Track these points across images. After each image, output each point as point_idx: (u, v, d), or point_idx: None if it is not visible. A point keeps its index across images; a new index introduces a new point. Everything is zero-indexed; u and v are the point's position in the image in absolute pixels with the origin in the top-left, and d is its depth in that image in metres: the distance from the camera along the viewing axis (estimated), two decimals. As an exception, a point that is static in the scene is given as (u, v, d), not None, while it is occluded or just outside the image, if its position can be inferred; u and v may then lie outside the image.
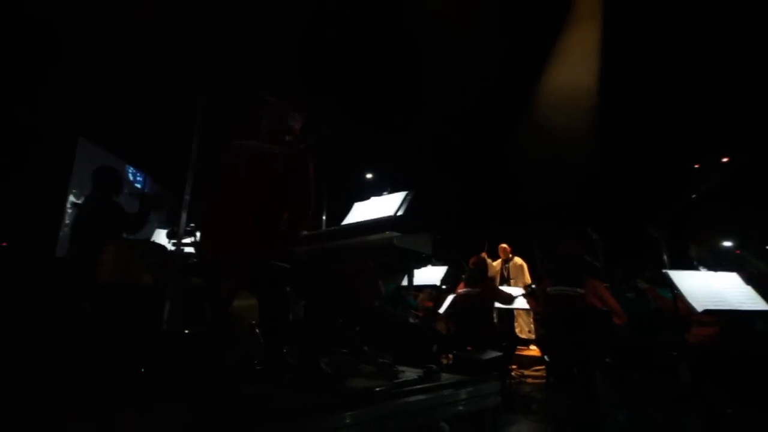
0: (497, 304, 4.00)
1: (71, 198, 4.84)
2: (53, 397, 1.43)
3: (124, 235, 2.83)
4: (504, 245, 6.03)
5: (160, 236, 3.10)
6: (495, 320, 5.02)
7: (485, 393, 2.04)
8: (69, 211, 4.74)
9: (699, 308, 2.10)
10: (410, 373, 2.10)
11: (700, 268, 2.46)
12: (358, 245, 1.81)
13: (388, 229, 1.83)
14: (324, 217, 3.15)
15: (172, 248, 2.71)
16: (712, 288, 2.16)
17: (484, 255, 5.89)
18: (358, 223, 2.20)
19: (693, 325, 2.82)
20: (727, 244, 2.78)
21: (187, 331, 1.93)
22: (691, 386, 2.75)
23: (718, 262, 2.41)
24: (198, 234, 2.73)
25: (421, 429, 2.15)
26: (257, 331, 2.53)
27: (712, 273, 2.23)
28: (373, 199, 2.46)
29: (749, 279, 1.97)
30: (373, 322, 3.25)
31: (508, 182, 7.35)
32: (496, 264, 6.04)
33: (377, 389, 1.66)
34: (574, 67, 6.53)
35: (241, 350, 2.33)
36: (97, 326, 1.99)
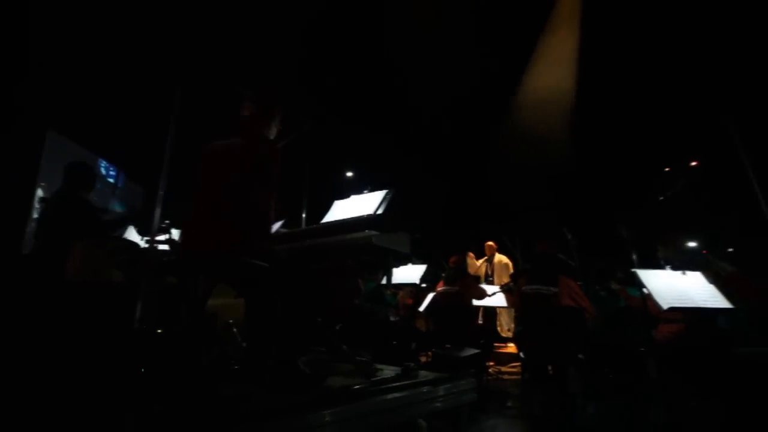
0: (478, 302, 4.07)
1: (39, 192, 4.64)
2: (17, 400, 1.37)
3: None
4: (490, 243, 6.13)
5: (132, 233, 3.01)
6: (480, 319, 5.11)
7: (461, 390, 2.07)
8: (37, 206, 4.54)
9: (665, 306, 2.19)
10: (388, 371, 2.12)
11: (667, 267, 2.57)
12: (337, 243, 1.80)
13: (368, 228, 1.83)
14: (304, 215, 3.13)
15: (145, 245, 2.64)
16: (677, 287, 2.26)
17: (471, 255, 5.98)
18: (337, 221, 2.20)
19: (660, 323, 2.95)
20: (693, 245, 2.92)
21: (160, 331, 1.89)
22: (657, 381, 2.87)
23: (684, 262, 2.52)
24: (173, 231, 2.67)
25: (399, 426, 2.17)
26: (234, 330, 2.49)
27: (677, 272, 2.33)
28: (353, 198, 2.46)
29: (716, 280, 2.07)
30: (353, 321, 3.25)
31: (488, 182, 7.47)
32: (480, 262, 6.13)
33: (354, 388, 1.66)
34: (553, 70, 6.69)
35: (218, 350, 2.29)
36: (64, 325, 1.91)
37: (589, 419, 2.90)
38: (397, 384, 1.79)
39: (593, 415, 2.87)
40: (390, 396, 1.72)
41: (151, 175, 2.76)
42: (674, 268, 2.40)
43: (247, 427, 1.21)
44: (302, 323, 1.73)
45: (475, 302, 4.00)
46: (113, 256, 2.43)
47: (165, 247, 2.66)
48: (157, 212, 2.38)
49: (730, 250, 1.75)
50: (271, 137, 1.99)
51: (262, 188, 1.70)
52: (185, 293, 1.74)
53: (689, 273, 2.26)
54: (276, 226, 2.90)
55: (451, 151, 7.58)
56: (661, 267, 2.64)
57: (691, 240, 2.99)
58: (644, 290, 2.37)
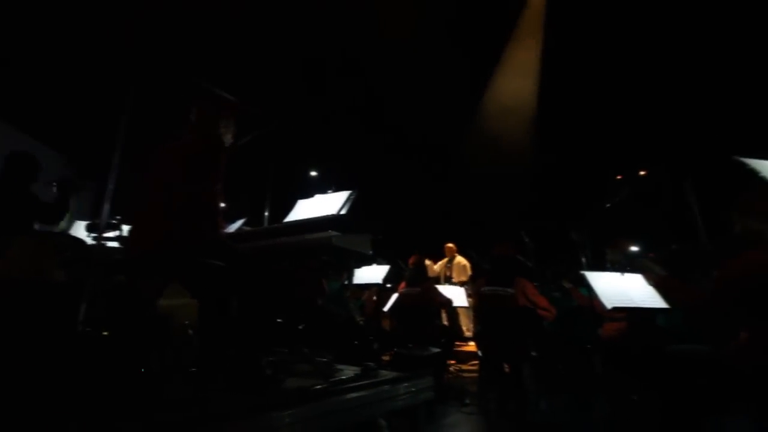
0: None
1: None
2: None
3: (36, 226, 2.55)
4: (450, 245, 6.26)
5: (79, 229, 2.82)
6: (445, 320, 5.21)
7: (419, 388, 2.11)
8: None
9: (608, 305, 2.35)
10: (348, 371, 2.12)
11: (612, 269, 2.75)
12: (297, 243, 1.79)
13: (331, 228, 1.83)
14: (267, 214, 3.06)
15: (92, 242, 2.48)
16: (619, 287, 2.43)
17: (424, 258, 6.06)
18: (299, 220, 2.18)
19: (605, 321, 3.15)
20: (635, 249, 3.14)
21: (105, 333, 1.78)
22: (602, 375, 3.06)
23: (623, 264, 2.71)
24: (124, 228, 2.53)
25: (358, 426, 2.18)
26: (190, 332, 2.40)
27: (617, 274, 2.51)
28: (317, 197, 2.45)
29: (656, 283, 2.22)
30: (316, 321, 3.23)
31: (451, 186, 7.65)
32: (439, 264, 6.24)
33: (312, 388, 1.66)
34: (516, 80, 6.96)
35: (172, 352, 2.20)
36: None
37: (541, 414, 3.05)
38: (356, 384, 1.80)
39: (544, 409, 3.02)
40: (348, 396, 1.73)
41: (101, 169, 2.61)
42: (615, 270, 2.57)
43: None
44: (261, 324, 1.70)
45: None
46: (56, 253, 2.27)
47: (115, 244, 2.52)
48: (106, 208, 2.24)
49: (665, 254, 1.90)
50: (224, 137, 1.95)
51: (210, 184, 1.66)
52: (135, 293, 1.66)
53: (629, 275, 2.44)
54: (237, 225, 2.83)
55: (416, 154, 7.70)
56: (607, 269, 2.82)
57: (636, 244, 3.22)
58: (591, 290, 2.52)
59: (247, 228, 2.61)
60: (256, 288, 1.61)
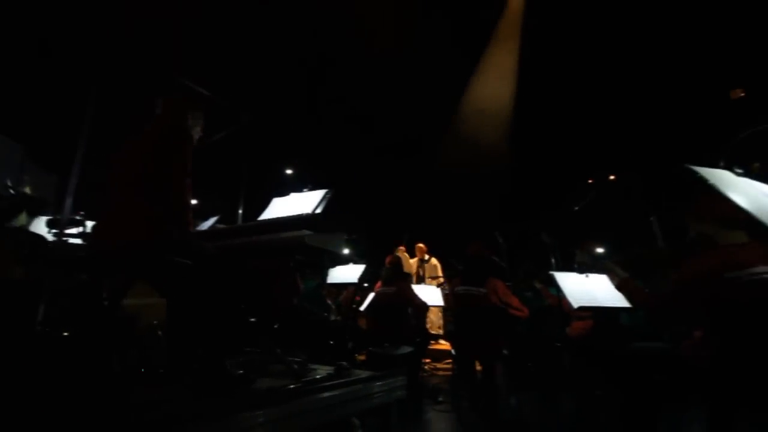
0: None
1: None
2: None
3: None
4: (420, 245, 6.29)
5: (40, 225, 2.68)
6: (413, 318, 5.24)
7: (392, 387, 2.13)
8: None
9: (575, 305, 2.44)
10: (321, 371, 2.12)
11: (578, 270, 2.85)
12: (269, 242, 1.77)
13: (306, 227, 1.82)
14: (240, 211, 3.01)
15: (53, 239, 2.37)
16: (585, 288, 2.53)
17: (402, 248, 6.08)
18: (274, 219, 2.15)
19: (573, 320, 3.27)
20: (601, 250, 3.27)
21: (66, 334, 1.71)
22: (570, 372, 3.18)
23: (588, 266, 2.83)
24: (88, 223, 2.43)
25: (332, 425, 2.18)
26: (159, 333, 2.33)
27: (582, 275, 2.61)
28: (293, 195, 2.42)
29: (618, 284, 2.31)
30: (291, 320, 3.20)
31: (428, 185, 7.72)
32: (413, 262, 6.27)
33: (283, 389, 1.64)
34: (493, 85, 7.10)
35: (138, 353, 2.13)
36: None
37: (511, 410, 3.14)
38: (328, 384, 1.80)
39: (515, 406, 3.11)
40: (320, 396, 1.72)
41: (64, 163, 2.49)
42: (580, 271, 2.68)
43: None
44: (231, 323, 1.67)
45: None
46: (14, 250, 2.16)
47: (78, 241, 2.41)
48: (68, 202, 2.15)
49: (627, 256, 1.99)
50: (192, 129, 1.89)
51: (177, 178, 1.61)
52: (97, 293, 1.60)
53: (595, 276, 2.54)
54: (210, 222, 2.76)
55: (394, 154, 7.73)
56: (575, 270, 2.92)
57: (603, 246, 3.35)
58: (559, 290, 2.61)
59: (221, 226, 2.56)
60: (226, 287, 1.58)
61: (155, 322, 2.37)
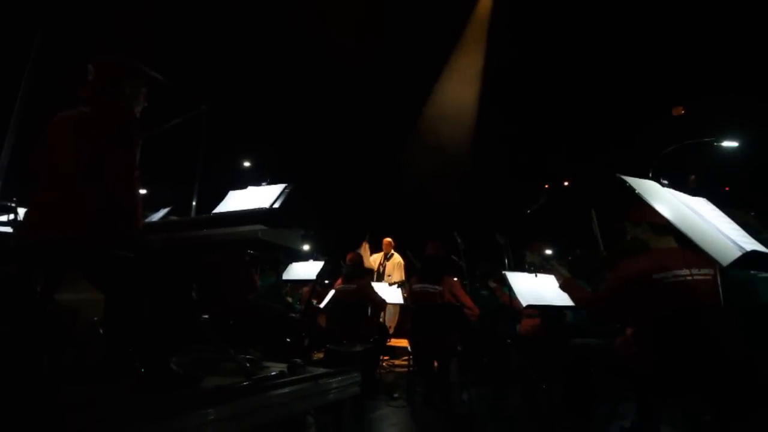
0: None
1: None
2: None
3: None
4: (388, 239, 6.26)
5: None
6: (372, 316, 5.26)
7: (347, 384, 2.13)
8: None
9: (524, 303, 2.56)
10: (274, 368, 2.08)
11: (528, 270, 3.00)
12: (222, 236, 1.71)
13: (262, 221, 1.77)
14: (194, 203, 2.88)
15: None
16: (534, 287, 2.66)
17: (365, 245, 6.06)
18: (229, 212, 2.09)
19: (523, 318, 3.43)
20: (550, 252, 3.46)
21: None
22: (519, 367, 3.34)
23: (537, 266, 2.98)
24: (20, 211, 2.23)
25: (283, 423, 2.14)
26: (101, 331, 2.19)
27: (531, 275, 2.75)
28: (250, 189, 2.35)
29: (560, 284, 2.45)
30: (246, 317, 3.12)
31: (392, 185, 7.80)
32: (375, 258, 6.24)
33: (230, 387, 1.60)
34: (458, 88, 7.27)
35: (74, 352, 1.99)
36: None
37: (463, 405, 3.25)
38: (278, 381, 1.77)
39: (467, 401, 3.21)
40: (270, 393, 1.70)
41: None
42: (530, 271, 2.82)
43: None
44: (175, 320, 1.60)
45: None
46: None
47: (8, 229, 2.21)
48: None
49: (570, 257, 2.12)
50: (133, 103, 1.73)
51: (122, 163, 1.50)
52: (27, 286, 1.48)
53: (543, 276, 2.68)
54: (161, 214, 2.63)
55: (357, 152, 7.73)
56: (526, 270, 3.07)
57: (551, 247, 3.54)
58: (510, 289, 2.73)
59: (173, 217, 2.44)
60: (170, 282, 1.51)
61: (95, 318, 2.23)
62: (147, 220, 2.38)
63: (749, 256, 1.13)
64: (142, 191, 1.71)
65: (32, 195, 1.51)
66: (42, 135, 1.59)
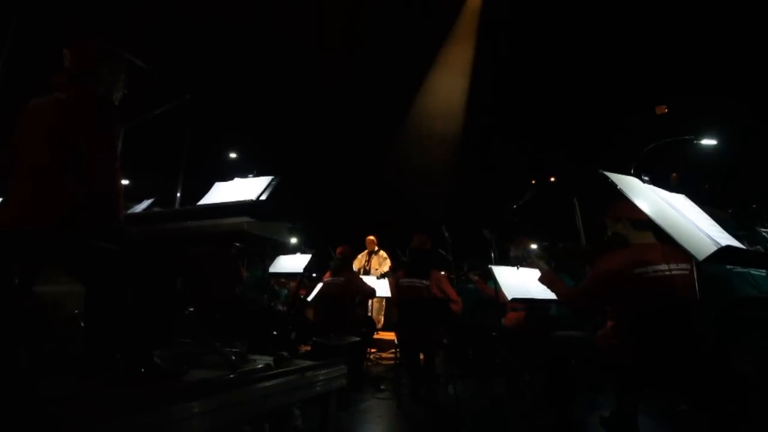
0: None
1: None
2: None
3: None
4: (371, 237, 6.30)
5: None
6: (359, 309, 5.28)
7: (333, 376, 2.14)
8: None
9: (509, 296, 2.60)
10: (260, 361, 2.07)
11: (513, 264, 3.04)
12: (206, 229, 1.69)
13: (248, 214, 1.75)
14: (179, 195, 2.83)
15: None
16: (519, 281, 2.70)
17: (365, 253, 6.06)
18: (215, 204, 2.06)
19: (508, 311, 3.49)
20: (535, 246, 3.51)
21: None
22: (504, 359, 3.39)
23: (520, 259, 3.02)
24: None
25: (270, 415, 2.14)
26: (83, 324, 2.15)
27: (513, 268, 2.79)
28: (237, 180, 2.32)
29: (541, 277, 2.48)
30: (233, 310, 3.09)
31: (378, 180, 7.79)
32: (361, 255, 6.27)
33: (215, 380, 1.59)
34: (448, 83, 7.28)
35: (53, 345, 1.95)
36: None
37: (448, 397, 3.29)
38: (265, 374, 1.77)
39: (452, 393, 3.26)
40: (256, 386, 1.69)
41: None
42: (512, 264, 2.86)
43: (69, 429, 1.07)
44: (160, 313, 1.58)
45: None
46: None
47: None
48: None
49: (551, 252, 2.16)
50: (111, 90, 1.66)
51: (100, 152, 1.44)
52: (3, 277, 1.43)
53: (527, 269, 2.73)
54: (144, 205, 2.58)
55: (344, 146, 7.69)
56: (511, 264, 3.11)
57: (536, 242, 3.59)
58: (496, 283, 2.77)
59: (157, 209, 2.40)
60: (153, 274, 1.48)
61: (76, 311, 2.18)
62: (130, 211, 2.33)
63: (724, 251, 1.17)
64: (125, 182, 1.66)
65: (7, 186, 1.46)
66: (14, 122, 1.53)
